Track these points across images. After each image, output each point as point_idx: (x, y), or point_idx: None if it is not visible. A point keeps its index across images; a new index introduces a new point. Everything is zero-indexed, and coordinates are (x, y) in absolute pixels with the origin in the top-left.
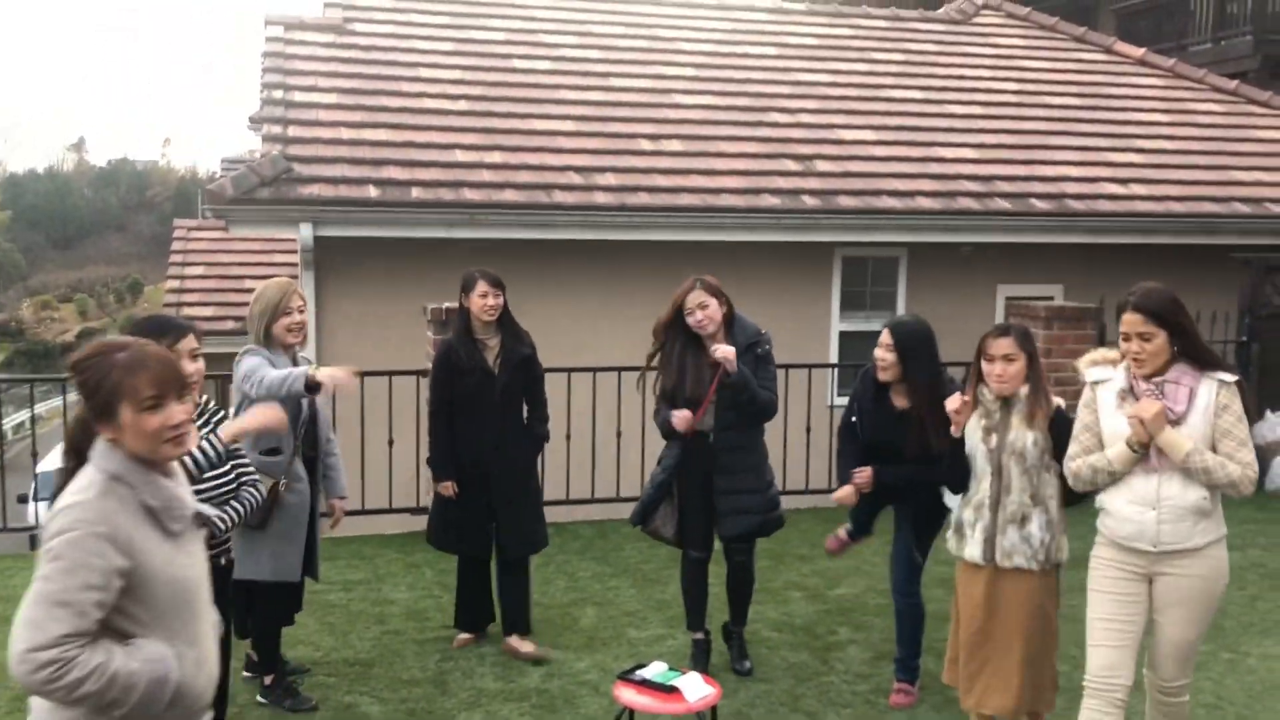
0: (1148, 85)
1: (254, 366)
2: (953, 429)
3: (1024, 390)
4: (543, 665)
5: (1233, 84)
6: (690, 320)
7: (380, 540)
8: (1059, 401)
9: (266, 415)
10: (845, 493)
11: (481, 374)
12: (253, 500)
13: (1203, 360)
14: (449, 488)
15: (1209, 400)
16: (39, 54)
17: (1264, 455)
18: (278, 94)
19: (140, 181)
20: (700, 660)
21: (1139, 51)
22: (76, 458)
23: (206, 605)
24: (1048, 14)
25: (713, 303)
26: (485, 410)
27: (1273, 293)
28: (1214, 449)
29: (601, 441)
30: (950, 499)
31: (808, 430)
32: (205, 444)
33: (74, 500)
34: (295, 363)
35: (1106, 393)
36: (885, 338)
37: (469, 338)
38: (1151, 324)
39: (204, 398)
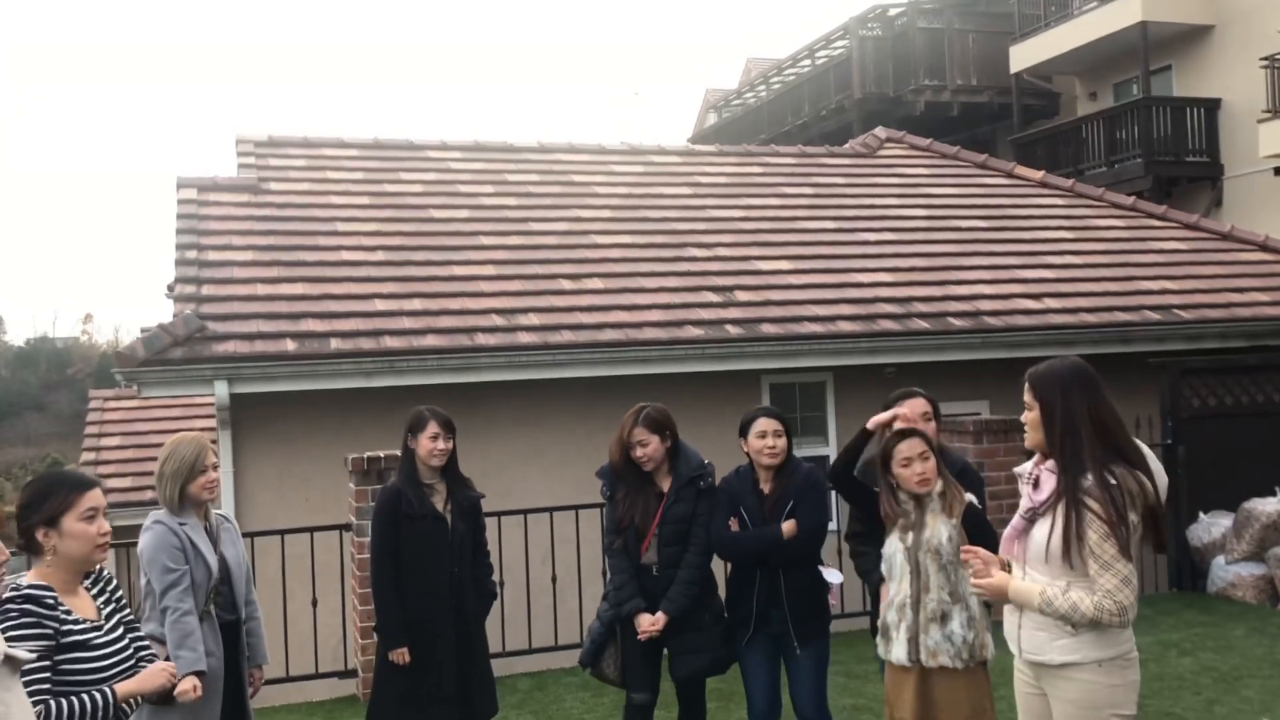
0: (1050, 205)
1: (155, 556)
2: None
3: (937, 485)
4: None
5: (1129, 200)
6: (632, 454)
7: (306, 708)
8: (969, 496)
9: (157, 678)
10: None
11: (433, 521)
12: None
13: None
14: (403, 655)
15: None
16: None
17: (1201, 557)
18: (191, 254)
19: (61, 359)
20: None
21: (1039, 174)
22: None
23: None
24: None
25: (653, 440)
26: (437, 562)
27: (1191, 395)
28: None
29: (536, 587)
30: (828, 574)
31: None
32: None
33: None
34: (209, 520)
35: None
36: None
37: (416, 482)
38: (1029, 394)
39: (100, 568)
